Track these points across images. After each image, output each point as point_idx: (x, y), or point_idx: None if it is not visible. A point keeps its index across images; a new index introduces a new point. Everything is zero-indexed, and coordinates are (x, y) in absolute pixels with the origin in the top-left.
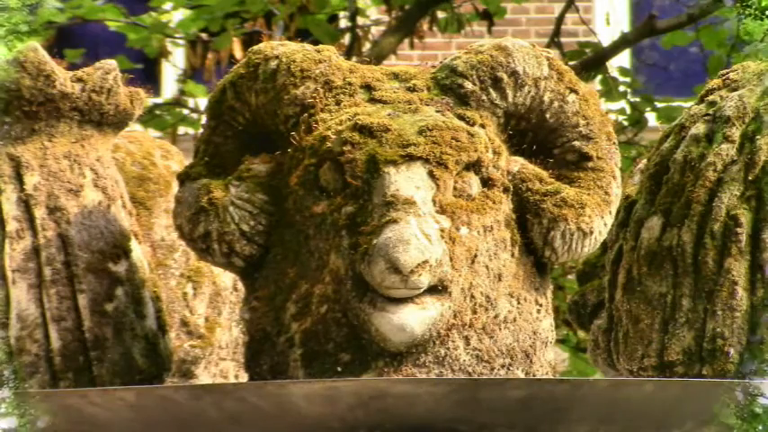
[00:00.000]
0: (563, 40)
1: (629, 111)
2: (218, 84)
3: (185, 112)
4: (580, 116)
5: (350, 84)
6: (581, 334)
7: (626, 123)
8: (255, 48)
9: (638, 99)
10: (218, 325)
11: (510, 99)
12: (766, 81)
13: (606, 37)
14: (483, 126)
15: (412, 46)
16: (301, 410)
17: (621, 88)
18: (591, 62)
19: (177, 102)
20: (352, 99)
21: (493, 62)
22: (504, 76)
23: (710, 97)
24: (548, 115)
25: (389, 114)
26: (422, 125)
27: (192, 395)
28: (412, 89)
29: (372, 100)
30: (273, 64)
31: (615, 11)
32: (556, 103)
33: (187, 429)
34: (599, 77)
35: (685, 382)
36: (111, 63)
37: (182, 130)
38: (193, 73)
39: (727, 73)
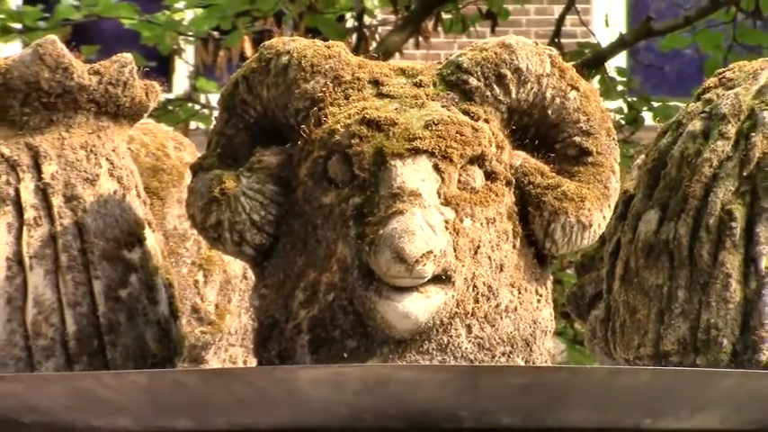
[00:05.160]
0: (562, 40)
1: (626, 110)
2: (231, 77)
3: (197, 107)
4: (581, 112)
5: (358, 79)
6: (578, 326)
7: (623, 122)
8: (267, 43)
9: (635, 98)
10: (228, 312)
11: (513, 95)
12: (761, 79)
13: (605, 38)
14: (487, 121)
15: (417, 45)
16: (308, 395)
17: (619, 88)
18: (590, 62)
19: (189, 98)
20: (361, 94)
21: (497, 59)
22: (508, 73)
23: (707, 95)
24: (549, 111)
25: (396, 109)
26: (428, 119)
27: (202, 379)
28: (418, 85)
29: (380, 95)
30: (285, 59)
31: (613, 13)
32: (557, 100)
33: (197, 411)
34: (597, 77)
35: (680, 371)
36: (126, 56)
37: (193, 124)
38: (205, 70)
39: (724, 72)
